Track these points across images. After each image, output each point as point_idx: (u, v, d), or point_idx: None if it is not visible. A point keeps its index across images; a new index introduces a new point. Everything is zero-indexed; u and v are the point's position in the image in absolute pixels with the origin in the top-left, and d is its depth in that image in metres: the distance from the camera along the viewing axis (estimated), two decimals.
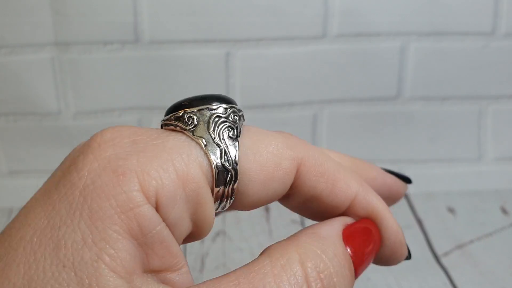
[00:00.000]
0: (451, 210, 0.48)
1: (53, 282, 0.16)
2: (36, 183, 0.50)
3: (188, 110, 0.20)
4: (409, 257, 0.24)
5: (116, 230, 0.17)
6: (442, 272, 0.41)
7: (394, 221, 0.23)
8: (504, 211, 0.48)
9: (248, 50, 0.47)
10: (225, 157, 0.19)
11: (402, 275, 0.40)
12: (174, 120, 0.20)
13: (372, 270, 0.41)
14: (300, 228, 0.45)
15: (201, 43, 0.46)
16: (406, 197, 0.50)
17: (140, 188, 0.17)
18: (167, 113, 0.21)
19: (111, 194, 0.17)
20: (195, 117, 0.19)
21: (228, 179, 0.19)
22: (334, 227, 0.21)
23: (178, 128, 0.20)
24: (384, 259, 0.23)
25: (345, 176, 0.22)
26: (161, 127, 0.20)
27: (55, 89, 0.47)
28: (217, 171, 0.19)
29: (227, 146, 0.19)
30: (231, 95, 0.48)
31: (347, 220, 0.21)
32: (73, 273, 0.16)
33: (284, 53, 0.47)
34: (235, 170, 0.19)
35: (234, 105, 0.21)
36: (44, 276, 0.16)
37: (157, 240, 0.17)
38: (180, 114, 0.20)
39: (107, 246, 0.16)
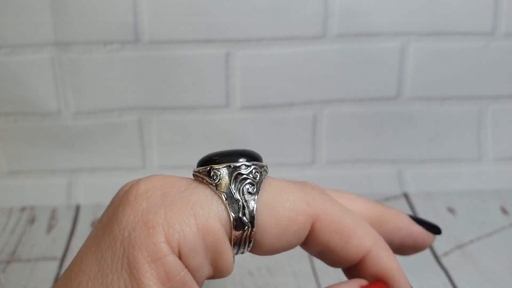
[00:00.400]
0: (451, 210, 0.48)
1: None
2: (36, 183, 0.50)
3: (214, 166, 0.22)
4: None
5: (148, 277, 0.20)
6: (442, 272, 0.41)
7: (404, 280, 0.24)
8: (504, 211, 0.48)
9: (248, 50, 0.47)
10: (243, 211, 0.21)
11: None
12: (202, 174, 0.22)
13: None
14: None
15: (201, 43, 0.46)
16: (406, 197, 0.50)
17: (165, 240, 0.20)
18: (199, 164, 0.23)
19: (143, 246, 0.20)
20: (219, 173, 0.22)
21: (245, 231, 0.22)
22: None
23: (204, 181, 0.22)
24: None
25: (360, 234, 0.23)
26: (193, 176, 0.23)
27: (55, 89, 0.47)
28: (235, 223, 0.21)
29: (246, 201, 0.22)
30: (231, 95, 0.48)
31: (362, 282, 0.23)
32: None
33: (284, 53, 0.47)
34: (252, 223, 0.21)
35: (257, 162, 0.23)
36: None
37: (181, 284, 0.20)
38: (207, 169, 0.22)
39: None
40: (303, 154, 0.51)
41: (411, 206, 0.48)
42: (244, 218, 0.21)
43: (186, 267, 0.21)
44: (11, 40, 0.45)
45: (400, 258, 0.42)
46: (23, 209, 0.48)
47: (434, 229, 0.27)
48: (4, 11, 0.44)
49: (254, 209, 0.21)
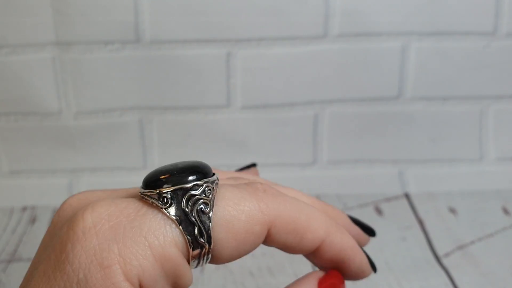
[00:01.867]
0: (452, 211, 0.48)
1: None
2: (37, 183, 0.50)
3: (163, 190, 0.21)
4: (374, 270, 0.28)
5: None
6: (443, 273, 0.41)
7: (359, 257, 0.26)
8: (505, 211, 0.48)
9: (249, 50, 0.47)
10: (200, 231, 0.21)
11: (403, 275, 0.40)
12: (152, 197, 0.21)
13: None
14: None
15: (202, 43, 0.46)
16: (407, 197, 0.50)
17: (124, 277, 0.20)
18: (145, 184, 0.22)
19: (103, 287, 0.19)
20: (169, 197, 0.21)
21: (202, 252, 0.21)
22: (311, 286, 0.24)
23: (154, 205, 0.21)
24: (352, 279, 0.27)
25: (313, 227, 0.24)
26: (140, 195, 0.22)
27: (56, 89, 0.47)
28: (192, 245, 0.21)
29: (201, 222, 0.21)
30: (231, 95, 0.48)
31: (319, 275, 0.25)
32: None
33: (285, 53, 0.47)
34: (209, 242, 0.21)
35: (208, 178, 0.22)
36: None
37: None
38: (156, 192, 0.21)
39: None
40: (304, 154, 0.51)
41: (412, 206, 0.48)
42: (201, 239, 0.21)
43: None
44: (12, 40, 0.45)
45: (400, 258, 0.42)
46: (24, 209, 0.48)
47: (369, 231, 0.29)
48: (5, 11, 0.44)
49: (210, 228, 0.21)
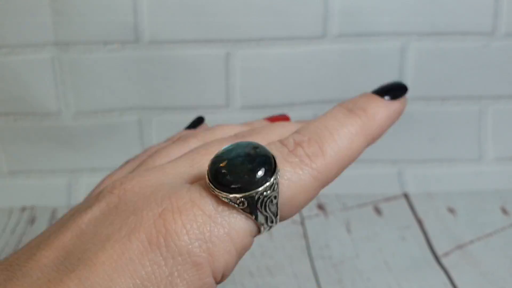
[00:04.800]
0: (451, 210, 0.48)
1: None
2: (36, 183, 0.50)
3: (238, 195, 0.22)
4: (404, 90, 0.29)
5: None
6: (442, 272, 0.41)
7: (392, 120, 0.28)
8: (504, 211, 0.48)
9: (248, 50, 0.47)
10: (270, 220, 0.23)
11: (402, 275, 0.40)
12: (226, 199, 0.22)
13: (372, 270, 0.41)
14: (300, 228, 0.45)
15: (201, 43, 0.46)
16: (406, 197, 0.50)
17: (211, 274, 0.21)
18: (215, 180, 0.23)
19: (192, 283, 0.21)
20: (245, 201, 0.22)
21: (270, 228, 0.23)
22: None
23: (231, 204, 0.22)
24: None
25: (357, 147, 0.26)
26: (210, 189, 0.23)
27: (55, 89, 0.47)
28: (263, 230, 0.23)
29: (271, 211, 0.23)
30: (231, 95, 0.48)
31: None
32: None
33: (284, 53, 0.47)
34: (276, 222, 0.23)
35: (274, 174, 0.23)
36: None
37: None
38: (230, 197, 0.22)
39: None
40: None
41: (411, 206, 0.48)
42: (271, 224, 0.23)
43: (218, 281, 0.22)
44: (11, 40, 0.45)
45: (400, 258, 0.42)
46: (23, 209, 0.48)
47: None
48: (4, 11, 0.44)
49: (278, 213, 0.23)
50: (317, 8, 0.46)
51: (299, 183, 0.24)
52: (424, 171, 0.51)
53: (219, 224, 0.22)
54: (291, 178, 0.24)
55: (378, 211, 0.48)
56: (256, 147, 0.23)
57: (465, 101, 0.50)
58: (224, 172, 0.22)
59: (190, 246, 0.21)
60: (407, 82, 0.49)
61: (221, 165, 0.23)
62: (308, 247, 0.43)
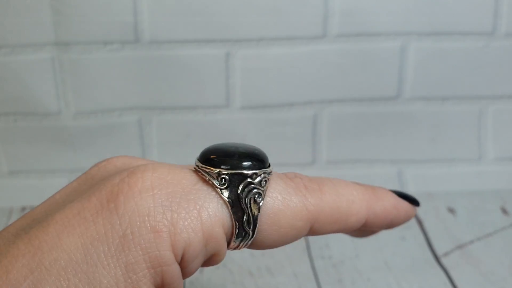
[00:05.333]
0: (451, 210, 0.48)
1: None
2: (36, 183, 0.50)
3: (223, 171, 0.21)
4: (417, 205, 0.28)
5: (146, 283, 0.19)
6: (442, 272, 0.41)
7: (401, 208, 0.27)
8: (504, 211, 0.48)
9: (248, 50, 0.47)
10: (247, 220, 0.21)
11: (402, 275, 0.40)
12: (208, 175, 0.21)
13: (372, 270, 0.41)
14: None
15: (201, 43, 0.46)
16: None
17: (171, 248, 0.19)
18: (203, 158, 0.22)
19: (147, 250, 0.19)
20: (228, 179, 0.21)
21: (245, 238, 0.21)
22: None
23: (210, 183, 0.21)
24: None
25: (355, 209, 0.24)
26: (195, 167, 0.22)
27: (55, 89, 0.47)
28: (237, 231, 0.21)
29: (251, 211, 0.21)
30: (231, 95, 0.48)
31: None
32: None
33: (284, 53, 0.47)
34: (253, 232, 0.21)
35: (266, 169, 0.22)
36: None
37: None
38: (215, 172, 0.21)
39: None
40: (303, 154, 0.51)
41: None
42: (247, 226, 0.21)
43: (183, 269, 0.20)
44: (11, 40, 0.45)
45: (400, 258, 0.42)
46: (23, 209, 0.48)
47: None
48: (4, 11, 0.44)
49: (258, 218, 0.21)
50: (317, 8, 0.46)
51: (289, 203, 0.22)
52: (424, 171, 0.51)
53: (192, 200, 0.20)
54: (282, 192, 0.22)
55: None
56: (255, 148, 0.23)
57: (465, 101, 0.50)
58: (214, 152, 0.22)
59: (153, 209, 0.20)
60: (407, 82, 0.49)
61: (213, 148, 0.22)
62: (308, 247, 0.43)
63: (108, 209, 0.20)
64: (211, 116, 0.49)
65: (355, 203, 0.24)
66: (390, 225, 0.27)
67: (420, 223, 0.46)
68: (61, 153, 0.49)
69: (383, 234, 0.45)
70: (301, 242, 0.44)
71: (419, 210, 0.48)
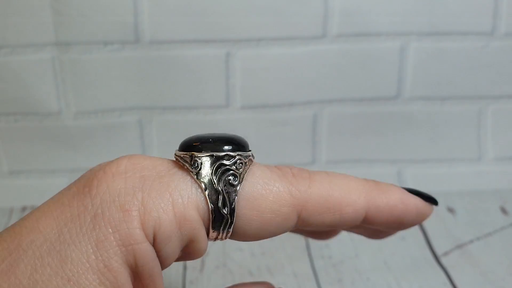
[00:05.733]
0: (450, 210, 0.48)
1: None
2: (36, 183, 0.50)
3: (196, 154, 0.21)
4: (435, 203, 0.26)
5: (117, 261, 0.19)
6: (442, 272, 0.41)
7: (411, 203, 0.24)
8: (504, 211, 0.48)
9: (248, 50, 0.47)
10: (224, 202, 0.21)
11: (402, 275, 0.40)
12: (183, 159, 0.22)
13: (372, 270, 0.41)
14: None
15: (201, 43, 0.46)
16: None
17: (141, 225, 0.20)
18: (181, 147, 0.23)
19: (117, 228, 0.19)
20: (200, 162, 0.21)
21: (224, 223, 0.21)
22: None
23: (185, 167, 0.21)
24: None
25: (352, 199, 0.23)
26: (174, 159, 0.22)
27: (55, 89, 0.47)
28: (213, 215, 0.21)
29: (227, 193, 0.21)
30: (231, 95, 0.48)
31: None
32: None
33: (284, 53, 0.47)
34: (232, 215, 0.21)
35: (242, 152, 0.22)
36: (49, 283, 0.18)
37: (146, 273, 0.20)
38: (189, 155, 0.21)
39: (109, 273, 0.19)
40: (303, 154, 0.51)
41: None
42: (224, 210, 0.21)
43: (157, 252, 0.20)
44: (11, 40, 0.45)
45: (399, 258, 0.42)
46: (23, 209, 0.48)
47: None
48: (5, 11, 0.44)
49: (235, 202, 0.21)
50: (317, 8, 0.46)
51: (271, 188, 0.22)
52: (424, 171, 0.51)
53: (165, 183, 0.21)
54: (264, 178, 0.22)
55: None
56: (234, 135, 0.24)
57: (464, 101, 0.50)
58: (191, 139, 0.23)
59: (123, 190, 0.20)
60: (406, 82, 0.49)
61: (191, 136, 0.23)
62: (308, 247, 0.43)
63: (83, 193, 0.21)
64: (211, 116, 0.49)
65: (352, 193, 0.23)
66: (401, 222, 0.24)
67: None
68: (61, 153, 0.49)
69: None
70: (301, 242, 0.44)
71: None
